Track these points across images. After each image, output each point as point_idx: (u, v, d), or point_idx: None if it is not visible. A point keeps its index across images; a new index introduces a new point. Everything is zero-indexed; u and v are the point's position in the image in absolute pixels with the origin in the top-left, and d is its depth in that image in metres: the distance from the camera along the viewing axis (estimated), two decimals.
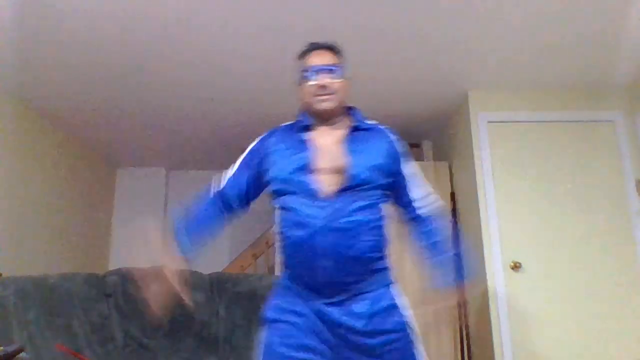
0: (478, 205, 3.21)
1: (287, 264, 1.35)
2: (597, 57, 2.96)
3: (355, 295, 1.28)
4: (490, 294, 3.05)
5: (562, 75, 3.19)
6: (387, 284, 1.35)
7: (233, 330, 2.67)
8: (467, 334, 3.42)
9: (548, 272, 3.10)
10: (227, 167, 1.52)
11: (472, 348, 3.38)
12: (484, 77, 3.22)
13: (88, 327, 2.37)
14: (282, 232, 1.34)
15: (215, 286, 2.81)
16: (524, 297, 3.05)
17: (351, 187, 1.30)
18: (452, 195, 3.72)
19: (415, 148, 4.33)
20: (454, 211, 3.65)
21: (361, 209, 1.29)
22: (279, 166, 1.37)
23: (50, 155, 3.92)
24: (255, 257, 4.81)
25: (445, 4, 2.38)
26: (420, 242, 1.43)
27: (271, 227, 4.53)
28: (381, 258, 1.33)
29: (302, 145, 1.38)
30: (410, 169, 1.46)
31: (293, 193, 1.31)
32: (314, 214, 1.27)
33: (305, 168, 1.32)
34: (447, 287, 1.37)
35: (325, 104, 1.38)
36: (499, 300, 3.03)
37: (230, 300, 2.76)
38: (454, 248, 1.41)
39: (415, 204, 1.43)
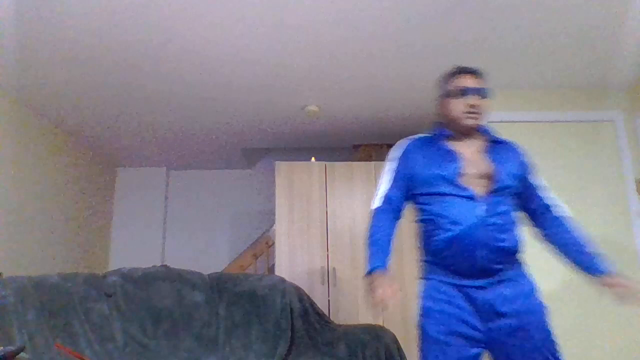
0: None
1: (439, 255, 1.54)
2: (597, 57, 2.96)
3: (501, 280, 1.50)
4: None
5: (562, 75, 3.19)
6: (525, 272, 1.58)
7: (233, 330, 2.66)
8: None
9: (548, 271, 3.09)
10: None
11: None
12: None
13: (88, 327, 2.37)
14: (434, 229, 1.54)
15: (215, 286, 2.81)
16: None
17: (497, 190, 1.53)
18: None
19: None
20: None
21: (505, 208, 1.54)
22: (430, 172, 1.57)
23: (50, 155, 3.92)
24: (255, 257, 4.81)
25: (445, 4, 2.39)
26: (566, 238, 1.62)
27: (271, 227, 4.54)
28: (521, 250, 1.57)
29: (449, 154, 1.60)
30: (539, 179, 1.69)
31: (449, 194, 1.53)
32: (471, 212, 1.48)
33: (457, 173, 1.54)
34: (612, 270, 1.51)
35: (473, 121, 1.60)
36: None
37: (230, 300, 2.75)
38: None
39: (553, 208, 1.66)
